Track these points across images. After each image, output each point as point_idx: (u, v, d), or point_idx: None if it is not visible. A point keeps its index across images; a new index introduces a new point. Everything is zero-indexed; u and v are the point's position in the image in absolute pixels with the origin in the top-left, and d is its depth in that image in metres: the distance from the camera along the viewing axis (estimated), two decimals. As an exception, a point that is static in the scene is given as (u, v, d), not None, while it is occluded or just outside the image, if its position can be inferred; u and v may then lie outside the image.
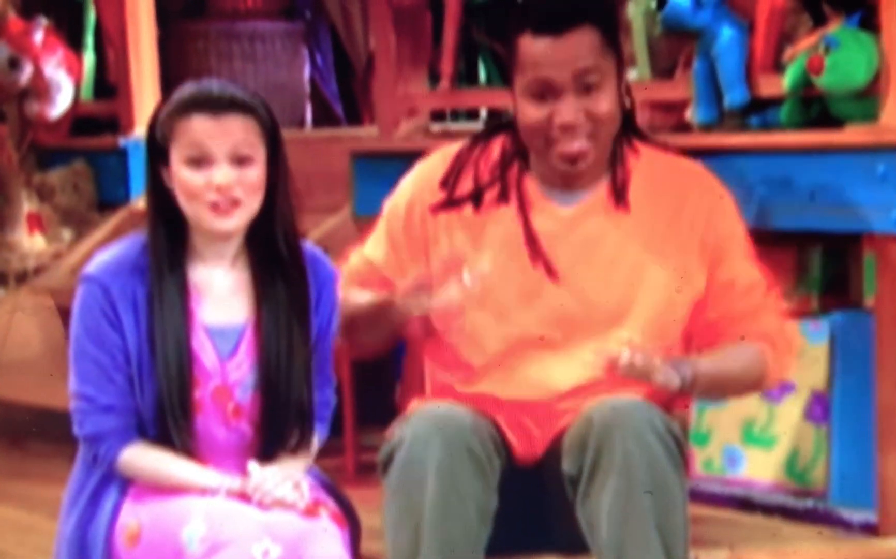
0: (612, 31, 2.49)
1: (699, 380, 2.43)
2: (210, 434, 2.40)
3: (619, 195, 2.52)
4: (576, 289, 2.51)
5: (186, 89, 2.39)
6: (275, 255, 2.42)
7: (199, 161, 2.35)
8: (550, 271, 2.50)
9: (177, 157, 2.36)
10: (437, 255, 2.54)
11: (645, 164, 2.56)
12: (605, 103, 2.46)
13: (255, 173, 2.37)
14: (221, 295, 2.43)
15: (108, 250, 2.43)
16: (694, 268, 2.52)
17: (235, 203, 2.35)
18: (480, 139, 2.62)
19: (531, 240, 2.51)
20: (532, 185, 2.56)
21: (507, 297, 2.52)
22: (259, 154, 2.38)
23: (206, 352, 2.39)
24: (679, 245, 2.52)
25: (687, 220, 2.52)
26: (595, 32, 2.46)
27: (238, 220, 2.37)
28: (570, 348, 2.49)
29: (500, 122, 2.66)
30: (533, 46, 2.46)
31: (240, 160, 2.36)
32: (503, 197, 2.55)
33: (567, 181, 2.53)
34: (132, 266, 2.38)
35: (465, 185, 2.57)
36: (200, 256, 2.42)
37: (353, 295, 2.57)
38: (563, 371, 2.49)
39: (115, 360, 2.37)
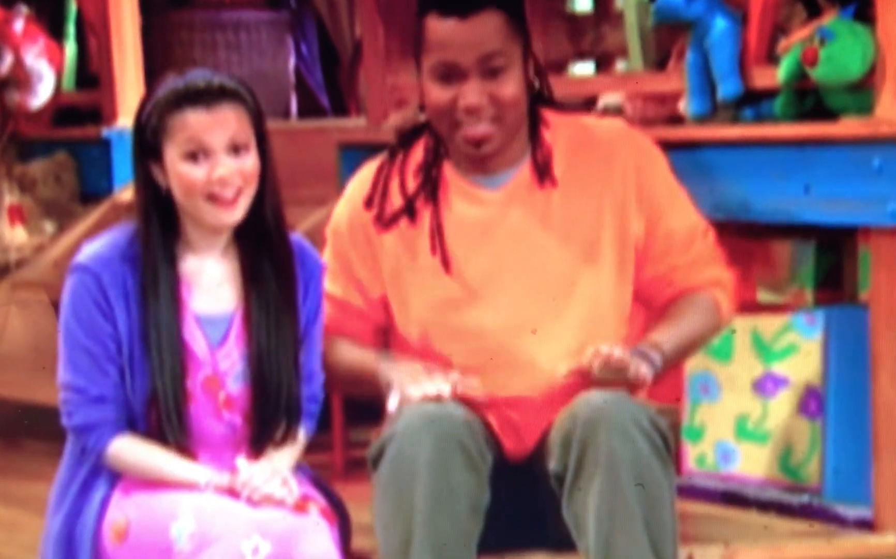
0: (518, 15, 2.53)
1: (668, 359, 2.50)
2: (202, 426, 2.41)
3: (543, 172, 2.55)
4: (516, 272, 2.53)
5: (172, 83, 2.39)
6: (264, 243, 2.43)
7: (197, 155, 2.36)
8: (446, 262, 2.53)
9: (173, 153, 2.36)
10: (384, 264, 2.57)
11: (564, 132, 2.59)
12: (509, 87, 2.49)
13: (252, 161, 2.39)
14: (211, 284, 2.44)
15: (98, 240, 2.44)
16: (632, 220, 2.56)
17: (238, 193, 2.37)
18: (401, 147, 2.64)
19: (437, 231, 2.54)
20: (452, 174, 2.58)
21: (455, 295, 2.54)
22: (252, 141, 2.39)
23: (196, 341, 2.41)
24: (613, 203, 2.55)
25: (617, 175, 2.56)
26: (500, 16, 2.50)
27: (241, 211, 2.39)
28: (540, 330, 2.51)
29: (416, 127, 2.68)
30: (438, 28, 2.50)
31: (236, 149, 2.37)
32: (433, 197, 2.57)
33: (483, 164, 2.55)
34: (123, 255, 2.40)
35: (394, 200, 2.59)
36: (192, 247, 2.44)
37: (335, 351, 2.58)
38: (537, 363, 2.52)
39: (106, 350, 2.38)
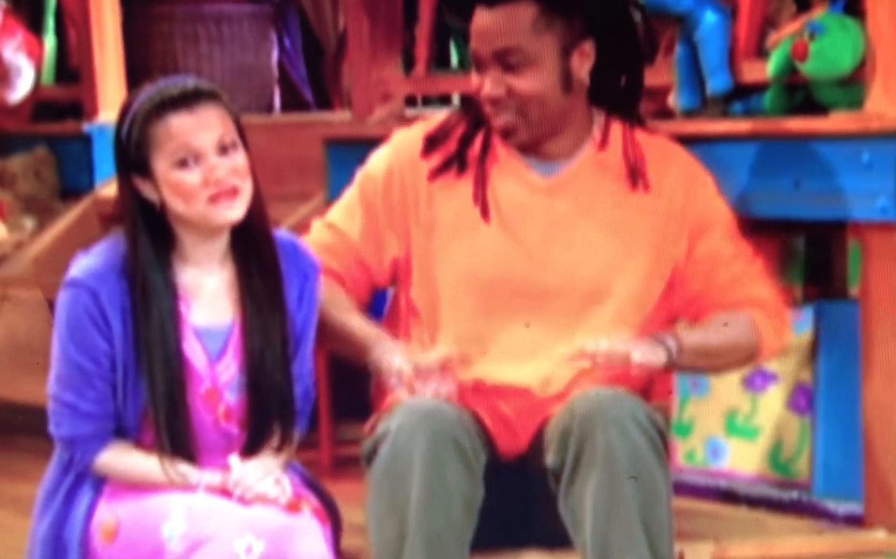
0: (556, 6, 2.51)
1: (685, 351, 2.46)
2: (201, 438, 2.41)
3: (635, 174, 2.55)
4: (550, 261, 2.54)
5: (147, 93, 2.38)
6: (253, 249, 2.43)
7: (188, 160, 2.35)
8: (485, 211, 2.53)
9: (163, 164, 2.35)
10: (415, 223, 2.56)
11: (620, 139, 2.60)
12: (527, 83, 2.51)
13: (242, 157, 2.39)
14: (209, 295, 2.43)
15: (92, 253, 2.42)
16: (673, 242, 2.56)
17: (235, 191, 2.36)
18: (470, 109, 2.65)
19: (480, 177, 2.55)
20: (508, 149, 2.59)
21: (479, 272, 2.54)
22: (238, 140, 2.40)
23: (196, 355, 2.40)
24: (656, 222, 2.56)
25: (665, 195, 2.57)
26: (531, 9, 2.50)
27: (242, 208, 2.38)
28: (549, 327, 2.52)
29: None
30: (475, 15, 2.54)
31: (225, 148, 2.37)
32: (482, 158, 2.58)
33: (538, 149, 2.57)
34: (118, 269, 2.38)
35: (452, 148, 2.60)
36: (188, 258, 2.42)
37: (334, 305, 2.57)
38: (542, 359, 2.52)
39: (99, 367, 2.37)
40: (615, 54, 2.58)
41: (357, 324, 2.57)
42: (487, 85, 2.52)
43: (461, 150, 2.59)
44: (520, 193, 2.56)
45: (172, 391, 2.36)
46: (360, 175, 2.66)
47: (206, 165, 2.35)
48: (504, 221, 2.55)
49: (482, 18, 2.53)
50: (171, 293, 2.38)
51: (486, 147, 2.59)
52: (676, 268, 2.57)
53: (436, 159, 2.59)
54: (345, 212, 2.64)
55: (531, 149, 2.57)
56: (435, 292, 2.55)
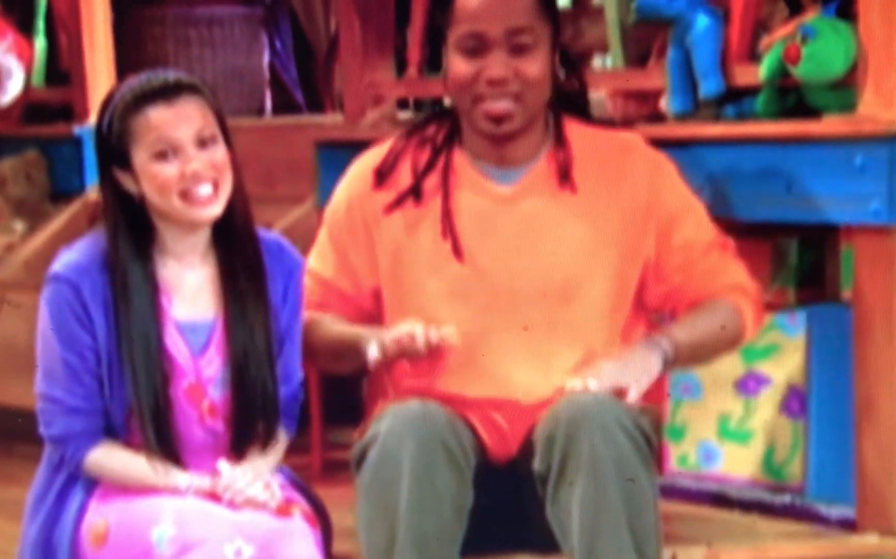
0: (549, 1, 2.56)
1: (680, 352, 2.50)
2: (184, 434, 2.41)
3: (565, 174, 2.56)
4: (517, 270, 2.54)
5: (128, 85, 2.39)
6: (236, 244, 2.44)
7: (167, 153, 2.36)
8: (457, 249, 2.54)
9: (142, 155, 2.37)
10: (382, 252, 2.58)
11: (578, 137, 2.61)
12: (535, 66, 2.52)
13: (222, 151, 2.40)
14: (191, 290, 2.44)
15: (74, 248, 2.43)
16: (641, 236, 2.57)
17: (216, 187, 2.38)
18: (416, 129, 2.66)
19: (446, 216, 2.55)
20: (464, 162, 2.60)
21: (446, 290, 2.55)
22: (218, 133, 2.41)
23: (178, 349, 2.41)
24: (622, 216, 2.57)
25: (629, 189, 2.58)
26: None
27: (219, 207, 2.39)
28: (528, 336, 2.53)
29: (435, 111, 2.71)
30: (469, 4, 2.52)
31: (204, 142, 2.38)
32: (444, 180, 2.59)
33: (500, 155, 2.57)
34: (100, 263, 2.39)
35: (403, 177, 2.60)
36: (170, 253, 2.43)
37: (319, 325, 2.59)
38: (527, 367, 2.53)
39: (85, 362, 2.38)
40: (564, 54, 2.63)
41: (339, 327, 2.58)
42: (494, 66, 2.50)
43: (417, 183, 2.59)
44: (483, 206, 2.57)
45: (155, 384, 2.36)
46: (326, 213, 2.69)
47: (183, 159, 2.36)
48: (470, 238, 2.56)
49: (488, 4, 2.51)
50: (152, 286, 2.39)
51: (446, 166, 2.59)
52: (647, 262, 2.59)
53: (390, 194, 2.59)
54: (317, 254, 2.66)
55: (503, 149, 2.57)
56: (409, 314, 2.56)
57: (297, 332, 2.51)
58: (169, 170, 2.36)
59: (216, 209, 2.40)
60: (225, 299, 2.44)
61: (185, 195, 2.37)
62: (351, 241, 2.62)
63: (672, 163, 2.66)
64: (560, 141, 2.60)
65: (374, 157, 2.66)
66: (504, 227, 2.56)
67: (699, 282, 2.60)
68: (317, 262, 2.65)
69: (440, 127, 2.64)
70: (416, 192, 2.58)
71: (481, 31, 2.51)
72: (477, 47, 2.52)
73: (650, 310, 2.65)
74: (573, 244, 2.55)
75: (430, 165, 2.59)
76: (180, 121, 2.36)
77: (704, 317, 2.57)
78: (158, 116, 2.36)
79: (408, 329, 2.43)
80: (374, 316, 2.64)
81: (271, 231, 2.60)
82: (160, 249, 2.43)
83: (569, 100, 2.66)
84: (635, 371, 2.46)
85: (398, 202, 2.59)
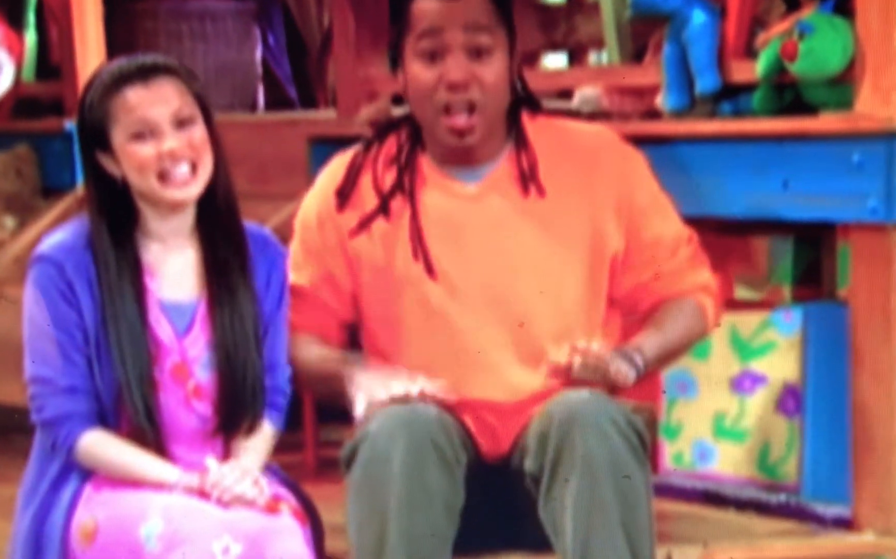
0: (504, 5, 2.56)
1: (650, 362, 2.52)
2: (172, 416, 2.42)
3: (528, 179, 2.57)
4: (490, 268, 2.55)
5: (107, 69, 2.43)
6: (220, 228, 2.46)
7: (144, 134, 2.39)
8: (430, 268, 2.55)
9: (121, 136, 2.40)
10: (357, 264, 2.59)
11: (545, 135, 2.62)
12: (493, 71, 2.53)
13: (200, 131, 2.42)
14: (175, 272, 2.47)
15: (60, 230, 2.46)
16: (611, 231, 2.58)
17: (194, 168, 2.40)
18: (374, 141, 2.66)
19: (416, 236, 2.56)
20: (428, 167, 2.60)
21: (425, 301, 2.56)
22: (197, 115, 2.43)
23: (162, 328, 2.43)
24: (592, 213, 2.57)
25: (599, 184, 2.58)
26: (487, 1, 2.53)
27: (197, 188, 2.41)
28: (507, 335, 2.53)
29: (391, 122, 2.71)
30: (426, 7, 2.53)
31: (182, 123, 2.40)
32: (410, 193, 2.59)
33: (461, 157, 2.58)
34: (85, 244, 2.42)
35: (366, 195, 2.61)
36: (152, 234, 2.46)
37: (304, 350, 2.59)
38: (515, 364, 2.54)
39: (73, 340, 2.39)
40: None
41: (322, 354, 2.59)
42: (454, 70, 2.50)
43: (384, 203, 2.59)
44: (450, 206, 2.57)
45: (141, 362, 2.37)
46: (296, 223, 2.71)
47: (160, 139, 2.38)
48: (440, 241, 2.57)
49: (444, 6, 2.51)
50: (136, 268, 2.41)
51: (412, 182, 2.59)
52: (616, 255, 2.60)
53: (354, 213, 2.60)
54: (293, 268, 2.66)
55: (467, 153, 2.57)
56: (390, 327, 2.57)
57: (281, 323, 2.52)
58: (146, 150, 2.39)
59: (194, 190, 2.42)
60: (209, 280, 2.46)
61: (163, 176, 2.40)
62: (325, 249, 2.64)
63: (641, 156, 2.67)
64: (521, 143, 2.60)
65: (341, 166, 2.65)
66: (472, 224, 2.57)
67: (666, 281, 2.62)
68: (295, 275, 2.64)
69: (399, 138, 2.64)
70: (384, 211, 2.59)
71: (440, 34, 2.52)
72: (435, 50, 2.52)
73: (613, 301, 2.65)
74: (540, 242, 2.56)
75: (396, 186, 2.59)
76: (157, 101, 2.39)
77: (672, 323, 2.60)
78: (135, 97, 2.39)
79: (401, 388, 2.42)
80: (353, 324, 2.64)
81: (264, 227, 2.61)
82: (143, 232, 2.46)
83: (523, 92, 2.65)
84: (616, 362, 2.46)
85: (364, 224, 2.59)
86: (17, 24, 5.39)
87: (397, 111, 4.24)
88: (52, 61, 5.40)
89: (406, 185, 2.60)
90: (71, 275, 2.40)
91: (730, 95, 3.19)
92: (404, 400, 2.41)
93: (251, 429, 2.46)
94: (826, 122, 2.91)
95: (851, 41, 2.88)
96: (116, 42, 5.12)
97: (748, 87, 3.15)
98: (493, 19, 2.54)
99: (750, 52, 3.17)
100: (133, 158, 2.39)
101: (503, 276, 2.56)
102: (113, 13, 5.18)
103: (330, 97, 5.62)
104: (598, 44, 4.03)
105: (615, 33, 3.51)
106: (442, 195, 2.59)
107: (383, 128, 2.70)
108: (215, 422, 2.45)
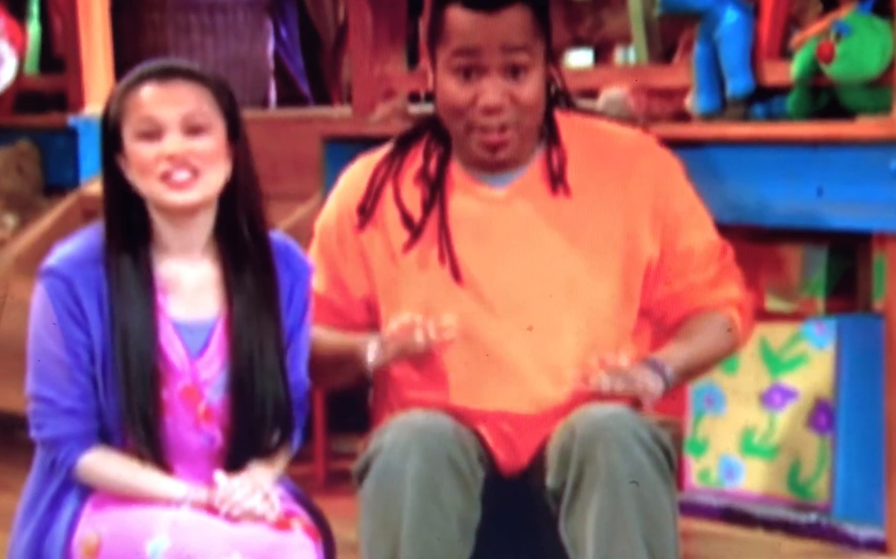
0: (544, 14, 2.55)
1: (679, 375, 2.51)
2: (179, 439, 2.42)
3: (557, 179, 2.57)
4: (515, 274, 2.55)
5: (138, 67, 2.42)
6: (241, 246, 2.44)
7: (151, 134, 2.38)
8: (456, 273, 2.55)
9: (129, 134, 2.39)
10: (375, 264, 2.59)
11: (579, 137, 2.62)
12: (530, 89, 2.51)
13: (211, 143, 2.39)
14: (190, 289, 2.44)
15: (69, 242, 2.44)
16: (646, 237, 2.58)
17: (195, 173, 2.38)
18: (397, 151, 2.64)
19: (446, 239, 2.55)
20: (457, 172, 2.60)
21: (450, 297, 2.56)
22: (215, 126, 2.40)
23: (174, 349, 2.41)
24: (627, 218, 2.57)
25: (635, 188, 2.58)
26: (527, 12, 2.52)
27: (198, 194, 2.39)
28: (534, 343, 2.53)
29: (417, 127, 2.70)
30: (462, 19, 2.51)
31: (192, 130, 2.38)
32: (441, 205, 2.58)
33: (493, 164, 2.58)
34: (96, 257, 2.40)
35: (388, 213, 2.59)
36: (167, 249, 2.44)
37: (316, 337, 2.59)
38: (536, 376, 2.54)
39: (78, 360, 2.38)
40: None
41: (335, 337, 2.59)
42: (490, 93, 2.50)
43: (419, 226, 2.58)
44: (478, 210, 2.57)
45: (146, 384, 2.37)
46: (316, 226, 2.70)
47: (164, 140, 2.37)
48: (466, 245, 2.56)
49: (482, 23, 2.50)
50: (148, 283, 2.40)
51: (443, 191, 2.59)
52: (650, 263, 2.60)
53: (375, 234, 2.59)
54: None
55: (496, 163, 2.58)
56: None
57: (303, 339, 2.51)
58: (148, 150, 2.38)
59: (192, 195, 2.39)
60: (228, 299, 2.44)
61: (165, 177, 2.38)
62: (340, 251, 2.63)
63: (678, 163, 2.66)
64: (554, 141, 2.60)
65: (364, 170, 2.65)
66: (499, 229, 2.57)
67: (698, 293, 2.61)
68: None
69: (424, 146, 2.64)
70: (412, 229, 2.58)
71: (476, 54, 2.50)
72: (470, 68, 2.51)
73: (644, 311, 2.65)
74: (571, 247, 2.56)
75: (428, 204, 2.58)
76: (167, 101, 2.37)
77: (700, 337, 2.59)
78: (147, 95, 2.38)
79: (406, 320, 2.43)
80: (366, 329, 2.65)
81: (276, 229, 2.61)
82: (158, 246, 2.44)
83: (557, 93, 2.65)
84: (646, 379, 2.46)
85: (389, 248, 2.58)
86: (19, 14, 5.41)
87: (413, 109, 4.25)
88: (56, 53, 5.42)
89: (436, 198, 2.59)
90: (80, 291, 2.38)
91: (763, 98, 3.20)
92: (411, 327, 2.41)
93: (278, 451, 2.45)
94: (863, 127, 2.91)
95: (891, 43, 2.88)
96: (122, 34, 5.14)
97: (782, 90, 3.16)
98: (531, 35, 2.52)
99: (784, 53, 3.18)
100: (135, 157, 2.38)
101: (530, 283, 2.56)
102: (119, 4, 5.20)
103: (344, 94, 5.64)
104: (626, 39, 4.03)
105: (643, 31, 3.51)
106: (470, 199, 2.59)
107: (408, 135, 2.69)
108: (224, 444, 2.44)
